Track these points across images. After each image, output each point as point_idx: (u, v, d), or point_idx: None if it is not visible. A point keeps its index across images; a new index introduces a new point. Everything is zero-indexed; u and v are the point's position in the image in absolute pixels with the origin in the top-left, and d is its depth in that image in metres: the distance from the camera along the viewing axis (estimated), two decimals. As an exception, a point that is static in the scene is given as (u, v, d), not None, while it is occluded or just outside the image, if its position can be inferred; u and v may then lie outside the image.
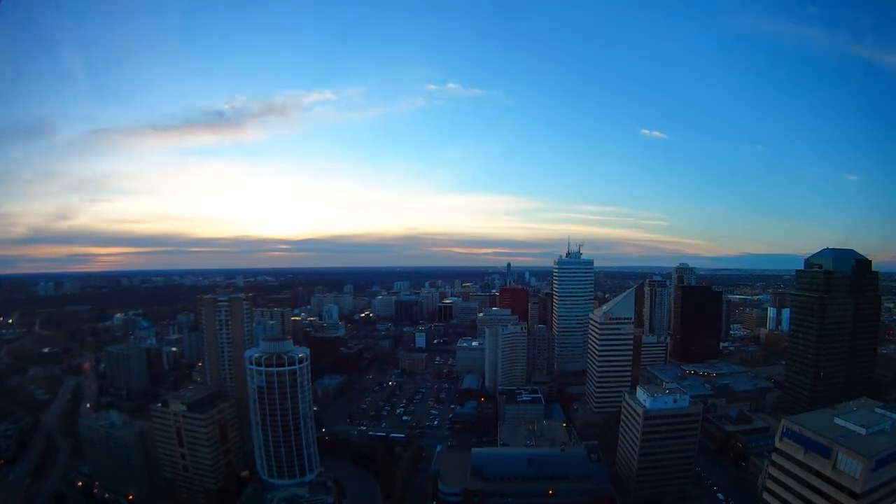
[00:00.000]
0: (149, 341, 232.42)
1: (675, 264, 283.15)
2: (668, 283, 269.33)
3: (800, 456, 67.06)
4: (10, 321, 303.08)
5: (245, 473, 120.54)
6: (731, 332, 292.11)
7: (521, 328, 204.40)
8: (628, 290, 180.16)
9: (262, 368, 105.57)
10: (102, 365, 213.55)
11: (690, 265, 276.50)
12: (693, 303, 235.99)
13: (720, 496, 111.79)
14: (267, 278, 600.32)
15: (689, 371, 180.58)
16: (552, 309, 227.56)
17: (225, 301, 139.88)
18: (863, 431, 64.73)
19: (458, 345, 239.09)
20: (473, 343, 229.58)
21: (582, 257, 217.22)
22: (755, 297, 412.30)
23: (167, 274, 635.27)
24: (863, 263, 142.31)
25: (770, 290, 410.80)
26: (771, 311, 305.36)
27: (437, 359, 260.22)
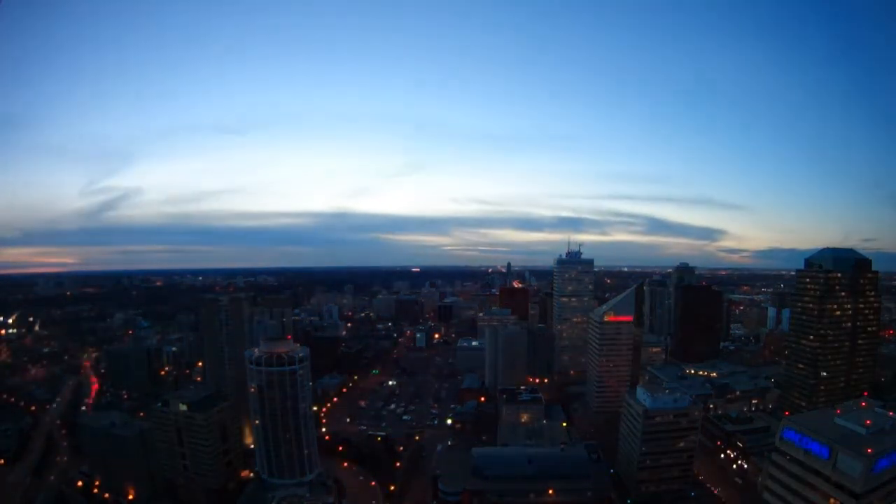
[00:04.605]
0: (149, 341, 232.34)
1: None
2: (668, 282, 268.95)
3: (800, 456, 67.12)
4: (10, 321, 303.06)
5: (245, 473, 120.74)
6: (731, 331, 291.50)
7: (521, 328, 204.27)
8: (628, 290, 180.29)
9: (262, 368, 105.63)
10: (102, 365, 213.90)
11: (691, 265, 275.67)
12: (693, 302, 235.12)
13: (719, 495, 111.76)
14: (267, 278, 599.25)
15: (689, 371, 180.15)
16: (552, 309, 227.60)
17: (225, 301, 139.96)
18: (863, 431, 64.78)
19: (458, 344, 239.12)
20: (473, 343, 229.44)
21: (582, 257, 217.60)
22: (755, 297, 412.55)
23: (167, 274, 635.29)
24: (863, 263, 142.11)
25: (770, 290, 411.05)
26: (771, 311, 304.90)
27: (438, 358, 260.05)
